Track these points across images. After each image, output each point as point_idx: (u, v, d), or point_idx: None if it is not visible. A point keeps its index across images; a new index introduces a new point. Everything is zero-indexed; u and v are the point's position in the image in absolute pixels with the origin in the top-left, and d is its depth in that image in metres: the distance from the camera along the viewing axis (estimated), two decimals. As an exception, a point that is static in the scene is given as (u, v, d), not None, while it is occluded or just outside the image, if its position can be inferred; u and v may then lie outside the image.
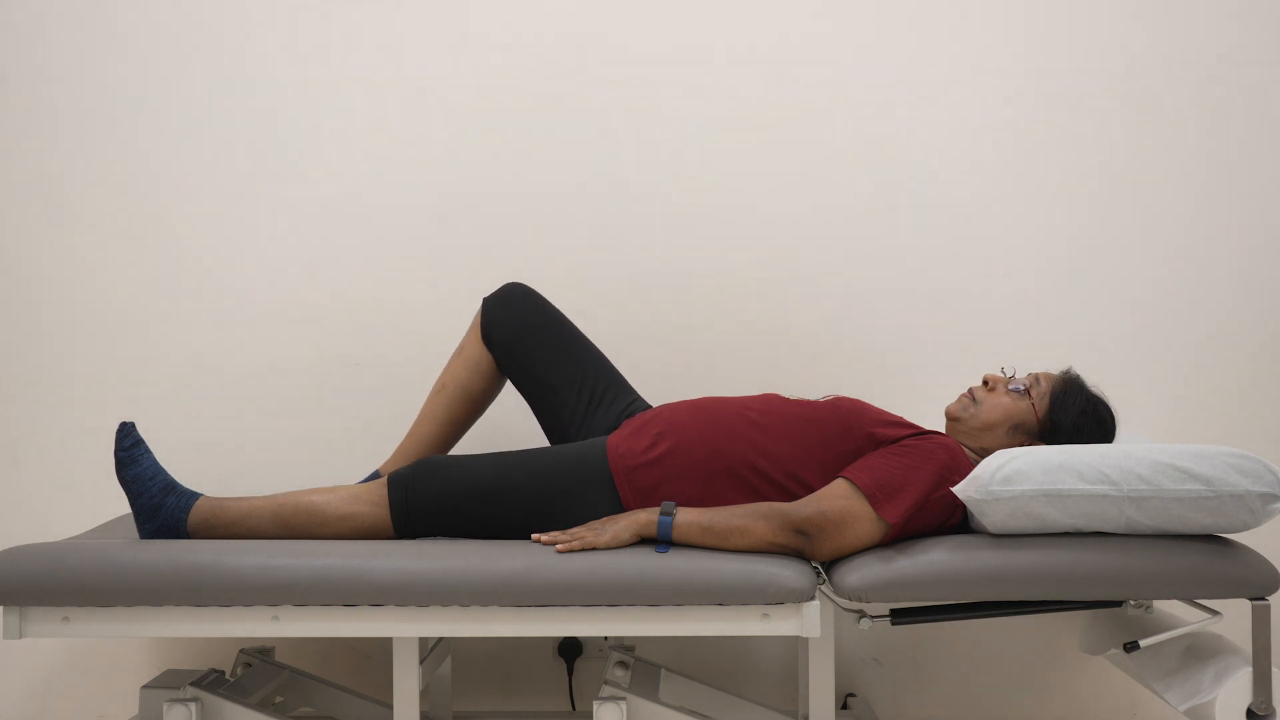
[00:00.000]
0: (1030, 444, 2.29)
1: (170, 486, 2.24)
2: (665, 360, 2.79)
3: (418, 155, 2.86)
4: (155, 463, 2.25)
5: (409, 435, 2.48)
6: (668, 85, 2.85)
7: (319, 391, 2.85)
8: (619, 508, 2.23)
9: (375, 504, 2.25)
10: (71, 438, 2.85)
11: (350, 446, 2.83)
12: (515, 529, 2.22)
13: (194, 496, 2.25)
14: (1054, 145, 2.84)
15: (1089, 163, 2.84)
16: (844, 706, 2.74)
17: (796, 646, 2.70)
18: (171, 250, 2.86)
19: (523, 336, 2.44)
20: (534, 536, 2.16)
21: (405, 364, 2.81)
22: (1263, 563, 2.08)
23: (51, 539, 2.48)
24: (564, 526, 2.20)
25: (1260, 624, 2.05)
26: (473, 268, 2.75)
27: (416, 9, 2.86)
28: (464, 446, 2.55)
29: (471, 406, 2.47)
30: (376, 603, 2.03)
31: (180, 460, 2.82)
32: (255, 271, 2.85)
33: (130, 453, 2.23)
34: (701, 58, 2.85)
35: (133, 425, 2.24)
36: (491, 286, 2.51)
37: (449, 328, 2.66)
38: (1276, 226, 2.84)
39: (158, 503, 2.23)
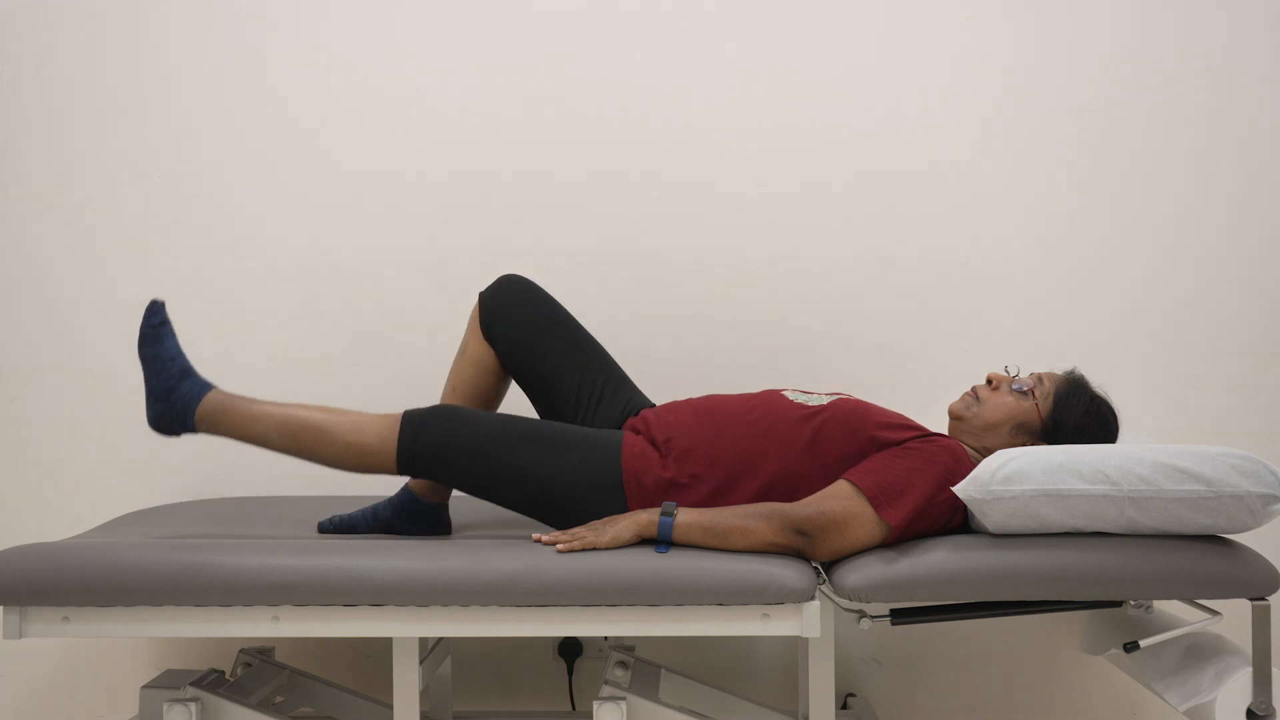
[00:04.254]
0: (1033, 444, 2.28)
1: (187, 372, 2.24)
2: (666, 356, 2.80)
3: (418, 152, 2.86)
4: (177, 346, 2.25)
5: None
6: (670, 83, 2.85)
7: (321, 390, 2.84)
8: (623, 508, 2.23)
9: (384, 438, 2.23)
10: (72, 438, 2.85)
11: (350, 446, 2.84)
12: (513, 503, 2.23)
13: (208, 388, 2.24)
14: (1054, 146, 2.85)
15: (1089, 164, 2.85)
16: (844, 706, 2.74)
17: (796, 646, 2.70)
18: (173, 250, 2.86)
19: (523, 330, 2.40)
20: (534, 537, 2.16)
21: (406, 362, 2.81)
22: (1263, 563, 2.08)
23: (51, 539, 2.48)
24: (563, 514, 2.20)
25: (1260, 624, 2.05)
26: (473, 264, 2.75)
27: (417, 6, 2.86)
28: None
29: (485, 404, 2.44)
30: (376, 603, 2.03)
31: (181, 456, 2.83)
32: (256, 271, 2.85)
33: (156, 330, 2.23)
34: (703, 56, 2.85)
35: (163, 304, 2.24)
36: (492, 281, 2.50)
37: (450, 326, 2.65)
38: (1275, 226, 2.84)
39: (172, 385, 2.22)
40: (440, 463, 2.23)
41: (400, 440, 2.22)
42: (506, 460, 2.22)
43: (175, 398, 2.22)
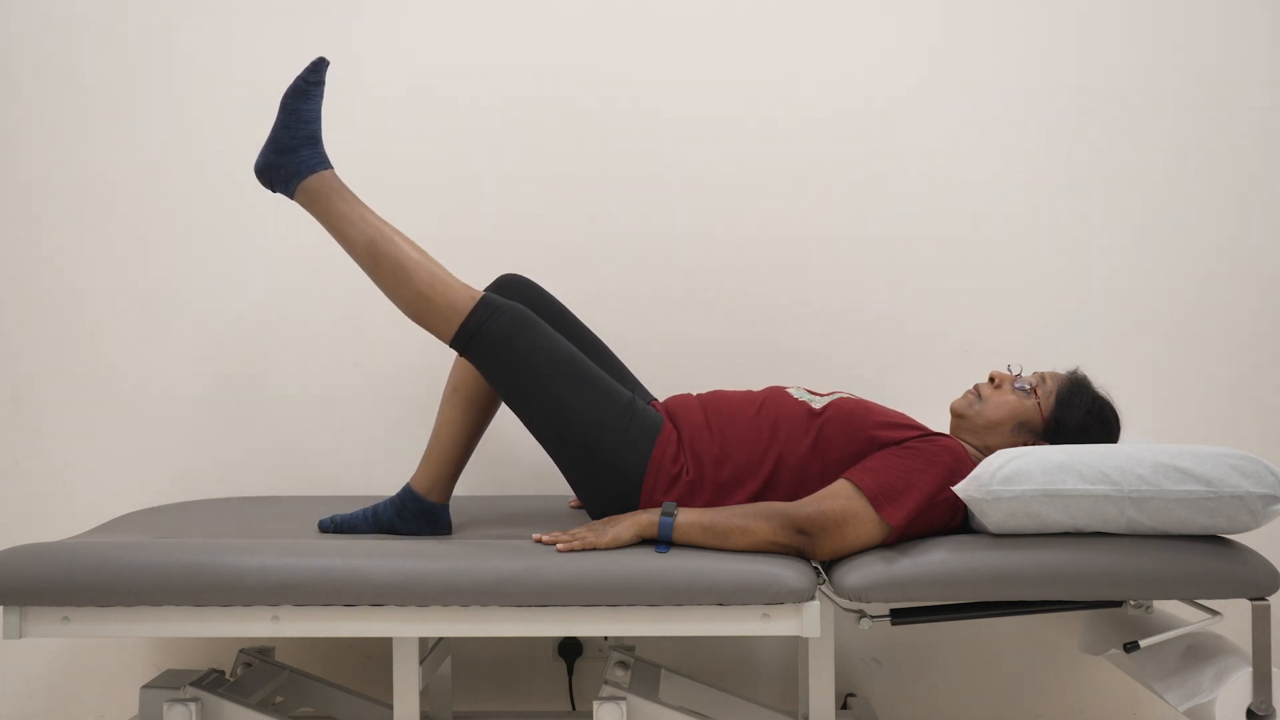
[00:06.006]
0: (1035, 443, 2.29)
1: (314, 140, 2.26)
2: (666, 356, 2.79)
3: (417, 155, 2.86)
4: (319, 111, 2.26)
5: (433, 441, 2.39)
6: (671, 82, 2.85)
7: (319, 391, 2.85)
8: (633, 496, 2.23)
9: (454, 308, 2.22)
10: (71, 438, 2.85)
11: (351, 445, 2.84)
12: (538, 426, 2.24)
13: (326, 166, 2.26)
14: (1054, 147, 2.85)
15: (1090, 164, 2.84)
16: (844, 706, 2.74)
17: (796, 646, 2.70)
18: (172, 250, 2.86)
19: None
20: (534, 537, 2.16)
21: (405, 362, 2.81)
22: (1263, 563, 2.08)
23: (51, 539, 2.48)
24: (577, 463, 2.21)
25: (1260, 624, 2.05)
26: (473, 268, 2.75)
27: (416, 10, 2.86)
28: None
29: (488, 404, 2.40)
30: (376, 603, 2.03)
31: (179, 458, 2.83)
32: (255, 271, 2.86)
33: (309, 86, 2.24)
34: (705, 62, 2.85)
35: (328, 64, 2.26)
36: (491, 286, 2.51)
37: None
38: (1275, 226, 2.84)
39: (295, 146, 2.24)
40: (492, 356, 2.22)
41: (468, 318, 2.21)
42: (555, 389, 2.21)
43: (292, 158, 2.24)
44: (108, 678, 2.83)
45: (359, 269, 2.85)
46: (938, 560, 2.08)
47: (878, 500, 2.11)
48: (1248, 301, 2.84)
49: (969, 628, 2.81)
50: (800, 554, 2.12)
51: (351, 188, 2.30)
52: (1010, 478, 2.07)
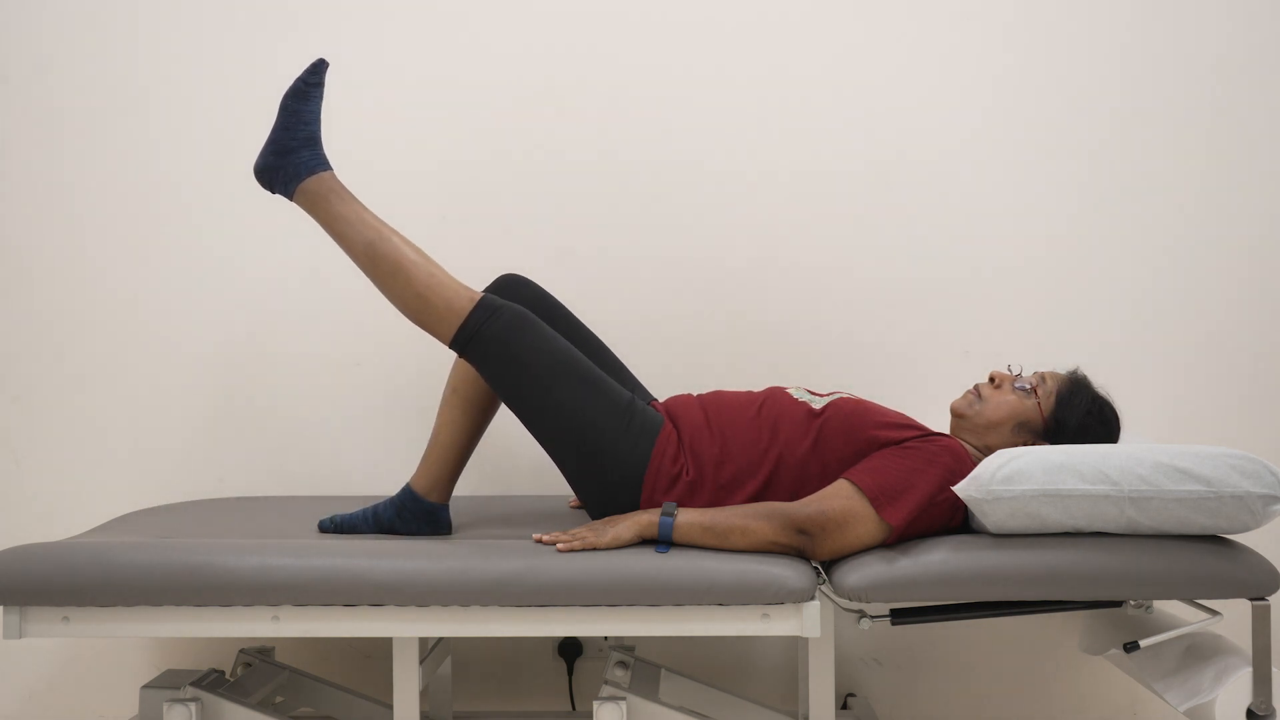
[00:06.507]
0: (1035, 443, 2.29)
1: (313, 142, 2.25)
2: (665, 355, 2.79)
3: (417, 153, 2.86)
4: (318, 112, 2.26)
5: (433, 442, 2.38)
6: (673, 87, 2.85)
7: (319, 392, 2.85)
8: (633, 497, 2.23)
9: (453, 309, 2.23)
10: (72, 437, 2.85)
11: (351, 445, 2.84)
12: (538, 426, 2.24)
13: (325, 168, 2.26)
14: (1056, 144, 2.85)
15: (1090, 162, 2.85)
16: (844, 706, 2.74)
17: (796, 646, 2.70)
18: (173, 250, 2.86)
19: None
20: (534, 537, 2.16)
21: (406, 362, 2.81)
22: (1263, 563, 2.08)
23: (51, 539, 2.48)
24: (577, 460, 2.21)
25: (1260, 624, 2.05)
26: (473, 268, 2.75)
27: (417, 11, 2.86)
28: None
29: (487, 404, 2.39)
30: (376, 603, 2.03)
31: (181, 457, 2.83)
32: (256, 271, 2.86)
33: (309, 88, 2.24)
34: (707, 67, 2.85)
35: (327, 65, 2.25)
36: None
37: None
38: (1276, 225, 2.84)
39: (294, 147, 2.24)
40: (492, 357, 2.22)
41: (467, 319, 2.21)
42: (555, 390, 2.21)
43: (291, 160, 2.24)
44: (108, 678, 2.83)
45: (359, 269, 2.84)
46: (938, 560, 2.08)
47: (878, 500, 2.11)
48: (1249, 301, 2.84)
49: (969, 628, 2.81)
50: (800, 554, 2.12)
51: (351, 189, 2.30)
52: (1010, 478, 2.07)
